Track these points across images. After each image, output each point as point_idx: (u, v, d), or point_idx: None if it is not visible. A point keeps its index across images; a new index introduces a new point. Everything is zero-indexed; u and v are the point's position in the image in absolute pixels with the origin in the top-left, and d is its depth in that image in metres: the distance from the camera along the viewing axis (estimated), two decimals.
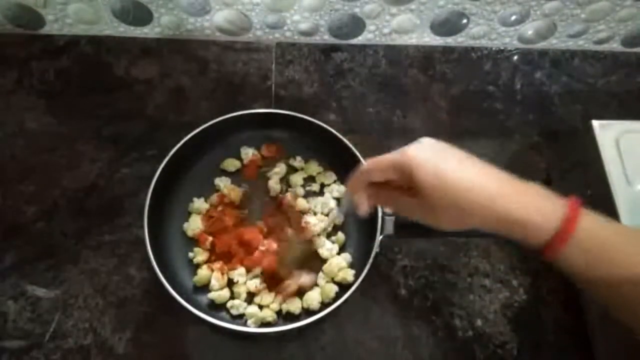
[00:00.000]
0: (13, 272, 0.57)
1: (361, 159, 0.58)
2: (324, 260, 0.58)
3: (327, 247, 0.59)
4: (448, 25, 0.73)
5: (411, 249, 0.62)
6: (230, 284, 0.57)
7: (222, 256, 0.58)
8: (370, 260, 0.53)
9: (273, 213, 0.61)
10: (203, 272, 0.56)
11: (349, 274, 0.57)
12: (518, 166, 0.68)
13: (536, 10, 0.71)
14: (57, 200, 0.62)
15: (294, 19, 0.71)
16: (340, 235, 0.60)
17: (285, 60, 0.74)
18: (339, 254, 0.59)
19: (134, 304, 0.57)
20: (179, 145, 0.59)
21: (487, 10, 0.71)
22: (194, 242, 0.59)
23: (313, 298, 0.55)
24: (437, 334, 0.58)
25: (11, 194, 0.62)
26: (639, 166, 0.55)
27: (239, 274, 0.57)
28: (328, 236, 0.60)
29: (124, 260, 0.59)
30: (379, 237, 0.54)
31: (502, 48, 0.78)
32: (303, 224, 0.59)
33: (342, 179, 0.63)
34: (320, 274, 0.58)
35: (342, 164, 0.61)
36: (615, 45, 0.78)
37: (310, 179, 0.64)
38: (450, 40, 0.76)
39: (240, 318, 0.56)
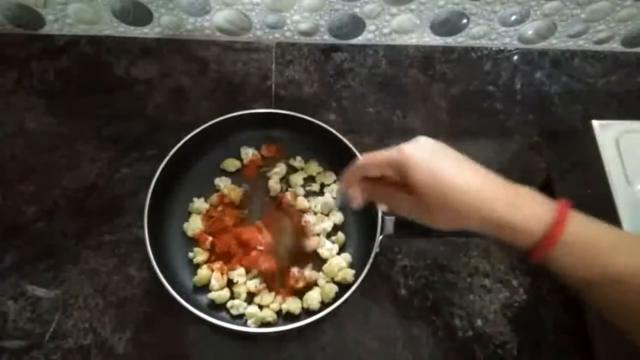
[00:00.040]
0: (13, 272, 0.57)
1: (359, 156, 0.58)
2: (324, 260, 0.58)
3: (327, 247, 0.59)
4: (448, 25, 0.73)
5: (411, 249, 0.62)
6: (230, 284, 0.57)
7: (222, 256, 0.58)
8: (370, 260, 0.53)
9: (273, 212, 0.61)
10: (203, 272, 0.56)
11: (349, 274, 0.57)
12: (518, 166, 0.69)
13: (536, 10, 0.71)
14: (57, 200, 0.62)
15: (294, 19, 0.71)
16: (340, 235, 0.60)
17: (285, 60, 0.74)
18: (339, 254, 0.59)
19: (134, 304, 0.57)
20: (179, 145, 0.59)
21: (487, 10, 0.71)
22: (194, 242, 0.59)
23: (313, 298, 0.55)
24: (437, 334, 0.58)
25: (11, 194, 0.62)
26: (639, 166, 0.55)
27: (238, 274, 0.57)
28: (328, 236, 0.60)
29: (124, 260, 0.59)
30: (379, 237, 0.54)
31: (502, 48, 0.78)
32: (303, 223, 0.59)
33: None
34: (320, 274, 0.58)
35: (342, 164, 0.60)
36: (615, 45, 0.78)
37: (310, 179, 0.64)
38: (450, 40, 0.76)
39: (240, 318, 0.56)
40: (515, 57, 0.77)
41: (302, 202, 0.61)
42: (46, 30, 0.72)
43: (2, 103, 0.67)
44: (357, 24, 0.72)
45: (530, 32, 0.75)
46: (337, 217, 0.61)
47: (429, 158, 0.38)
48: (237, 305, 0.55)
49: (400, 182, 0.40)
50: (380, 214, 0.55)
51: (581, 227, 0.37)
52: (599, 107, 0.74)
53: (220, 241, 0.58)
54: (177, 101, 0.69)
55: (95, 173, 0.64)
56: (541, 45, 0.78)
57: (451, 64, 0.76)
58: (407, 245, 0.62)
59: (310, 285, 0.57)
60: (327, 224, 0.60)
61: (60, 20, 0.70)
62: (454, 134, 0.70)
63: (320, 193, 0.63)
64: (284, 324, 0.55)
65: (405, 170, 0.38)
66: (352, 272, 0.57)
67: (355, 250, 0.60)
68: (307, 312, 0.55)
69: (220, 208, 0.60)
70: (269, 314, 0.55)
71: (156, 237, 0.56)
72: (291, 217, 0.60)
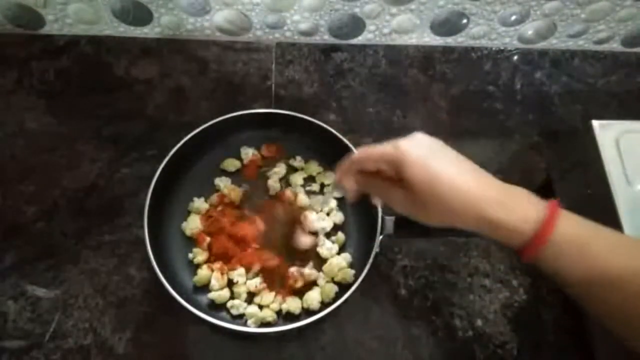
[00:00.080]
0: (13, 272, 0.57)
1: (355, 151, 0.58)
2: (324, 260, 0.58)
3: (327, 247, 0.59)
4: (448, 25, 0.73)
5: (411, 249, 0.62)
6: (230, 284, 0.57)
7: (221, 256, 0.58)
8: (370, 260, 0.53)
9: (270, 202, 0.61)
10: (203, 272, 0.56)
11: (349, 274, 0.57)
12: (518, 166, 0.69)
13: (536, 10, 0.71)
14: (57, 200, 0.62)
15: (294, 19, 0.71)
16: (340, 235, 0.60)
17: (285, 60, 0.74)
18: (339, 254, 0.59)
19: (134, 304, 0.57)
20: (179, 145, 0.59)
21: (487, 10, 0.71)
22: (193, 242, 0.59)
23: (313, 298, 0.55)
24: (437, 334, 0.58)
25: (11, 194, 0.62)
26: (639, 166, 0.55)
27: (239, 274, 0.57)
28: (328, 236, 0.60)
29: (124, 260, 0.59)
30: (379, 237, 0.54)
31: (502, 48, 0.78)
32: (302, 218, 0.59)
33: None
34: (320, 274, 0.58)
35: None
36: (615, 45, 0.78)
37: (310, 179, 0.64)
38: (450, 40, 0.76)
39: (240, 318, 0.56)
40: (515, 57, 0.77)
41: (302, 199, 0.61)
42: (46, 30, 0.72)
43: (2, 103, 0.67)
44: (357, 24, 0.72)
45: (530, 32, 0.75)
46: (337, 217, 0.61)
47: (425, 155, 0.38)
48: (237, 305, 0.55)
49: (395, 177, 0.40)
50: (380, 214, 0.55)
51: (572, 227, 0.37)
52: (599, 107, 0.74)
53: (217, 241, 0.58)
54: (177, 101, 0.69)
55: (95, 173, 0.64)
56: (541, 45, 0.78)
57: (451, 64, 0.76)
58: (407, 245, 0.62)
59: (310, 285, 0.57)
60: (327, 224, 0.60)
61: (60, 20, 0.70)
62: (454, 134, 0.70)
63: (320, 193, 0.63)
64: (284, 324, 0.55)
65: (400, 166, 0.38)
66: (352, 272, 0.57)
67: (355, 250, 0.60)
68: (307, 312, 0.55)
69: (219, 208, 0.60)
70: (269, 314, 0.55)
71: (156, 237, 0.56)
72: (288, 207, 0.60)
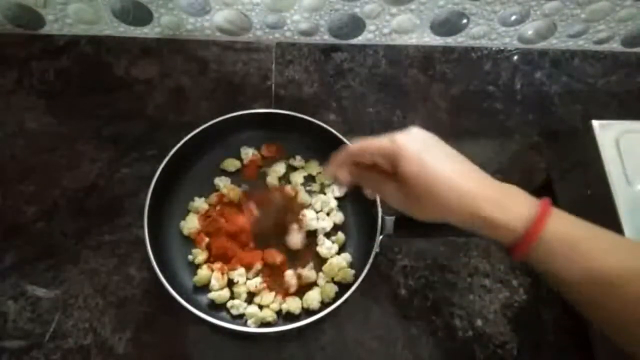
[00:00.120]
0: (13, 272, 0.57)
1: (348, 143, 0.58)
2: (324, 260, 0.58)
3: (326, 247, 0.59)
4: (448, 25, 0.73)
5: (411, 249, 0.62)
6: (230, 284, 0.57)
7: (220, 257, 0.58)
8: (370, 260, 0.53)
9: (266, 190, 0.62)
10: (203, 272, 0.56)
11: (349, 274, 0.57)
12: (518, 166, 0.69)
13: (536, 10, 0.71)
14: (57, 200, 0.62)
15: (294, 19, 0.71)
16: (340, 235, 0.60)
17: (285, 60, 0.74)
18: (339, 254, 0.59)
19: (134, 304, 0.57)
20: (179, 145, 0.59)
21: (487, 10, 0.71)
22: (192, 242, 0.59)
23: (313, 298, 0.55)
24: (437, 334, 0.58)
25: (11, 194, 0.62)
26: (639, 166, 0.55)
27: (238, 274, 0.57)
28: (328, 236, 0.60)
29: (124, 260, 0.59)
30: (379, 237, 0.54)
31: (502, 48, 0.78)
32: (300, 217, 0.59)
33: None
34: (320, 274, 0.58)
35: None
36: (615, 45, 0.78)
37: (310, 178, 0.64)
38: (450, 40, 0.76)
39: (240, 318, 0.56)
40: (515, 57, 0.77)
41: (304, 196, 0.61)
42: (46, 30, 0.72)
43: (2, 103, 0.67)
44: (357, 24, 0.72)
45: (530, 32, 0.75)
46: (337, 217, 0.61)
47: (421, 150, 0.38)
48: (237, 305, 0.55)
49: (390, 170, 0.40)
50: (380, 214, 0.55)
51: (564, 225, 0.37)
52: (599, 107, 0.74)
53: (216, 242, 0.58)
54: (177, 101, 0.69)
55: (95, 173, 0.64)
56: (541, 45, 0.78)
57: (451, 64, 0.76)
58: (407, 245, 0.62)
59: (310, 285, 0.57)
60: (327, 224, 0.60)
61: (60, 20, 0.70)
62: (454, 134, 0.69)
63: (321, 192, 0.63)
64: (284, 324, 0.55)
65: (396, 160, 0.39)
66: (352, 272, 0.57)
67: (355, 250, 0.60)
68: (307, 312, 0.55)
69: (218, 207, 0.60)
70: (269, 314, 0.55)
71: (156, 237, 0.56)
72: (284, 193, 0.60)
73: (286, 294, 0.57)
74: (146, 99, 0.69)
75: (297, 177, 0.63)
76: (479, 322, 0.59)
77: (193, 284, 0.56)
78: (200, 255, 0.57)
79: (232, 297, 0.56)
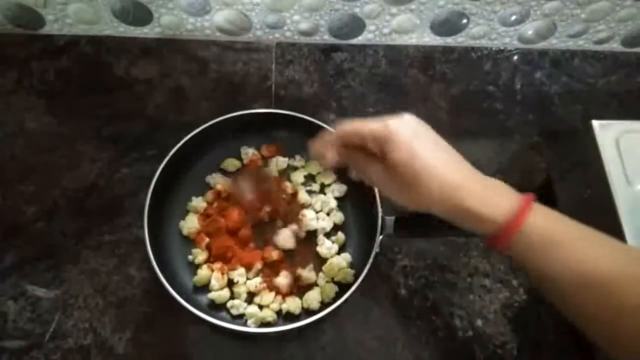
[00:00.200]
0: (13, 272, 0.57)
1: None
2: (324, 260, 0.58)
3: (326, 247, 0.59)
4: (448, 25, 0.73)
5: (411, 249, 0.62)
6: (230, 284, 0.57)
7: (220, 257, 0.58)
8: (370, 260, 0.53)
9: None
10: (203, 272, 0.56)
11: (349, 274, 0.57)
12: (518, 166, 0.69)
13: (536, 10, 0.71)
14: (57, 200, 0.62)
15: (294, 19, 0.71)
16: (340, 235, 0.60)
17: (285, 60, 0.74)
18: (339, 254, 0.59)
19: (134, 304, 0.57)
20: (179, 145, 0.59)
21: (487, 10, 0.71)
22: (192, 242, 0.59)
23: (313, 298, 0.55)
24: (437, 334, 0.58)
25: (11, 194, 0.62)
26: (639, 166, 0.55)
27: (239, 274, 0.57)
28: (328, 236, 0.60)
29: (124, 260, 0.59)
30: (379, 237, 0.54)
31: (502, 48, 0.78)
32: (300, 217, 0.59)
33: (342, 178, 0.63)
34: (320, 274, 0.58)
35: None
36: (615, 45, 0.78)
37: (310, 178, 0.64)
38: (450, 40, 0.76)
39: (240, 318, 0.56)
40: (515, 57, 0.77)
41: (304, 196, 0.61)
42: (46, 30, 0.72)
43: (2, 103, 0.67)
44: (357, 24, 0.72)
45: (530, 32, 0.75)
46: (337, 217, 0.61)
47: (412, 137, 0.39)
48: (237, 305, 0.55)
49: (378, 154, 0.40)
50: (380, 214, 0.55)
51: (545, 220, 0.37)
52: (599, 107, 0.74)
53: (216, 242, 0.58)
54: (177, 101, 0.69)
55: (95, 173, 0.64)
56: (541, 45, 0.78)
57: (451, 64, 0.76)
58: (407, 245, 0.62)
59: (310, 285, 0.57)
60: (327, 224, 0.60)
61: (60, 20, 0.70)
62: (454, 134, 0.68)
63: (321, 192, 0.63)
64: (284, 324, 0.55)
65: (386, 145, 0.39)
66: (352, 272, 0.57)
67: (355, 250, 0.60)
68: (307, 312, 0.55)
69: (215, 204, 0.60)
70: (269, 314, 0.55)
71: (156, 237, 0.56)
72: (289, 212, 0.60)
73: (285, 293, 0.57)
74: (146, 99, 0.69)
75: (297, 177, 0.63)
76: (479, 322, 0.59)
77: (193, 284, 0.56)
78: (200, 255, 0.57)
79: (232, 297, 0.56)
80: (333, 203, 0.62)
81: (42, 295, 0.56)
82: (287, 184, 0.62)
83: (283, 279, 0.56)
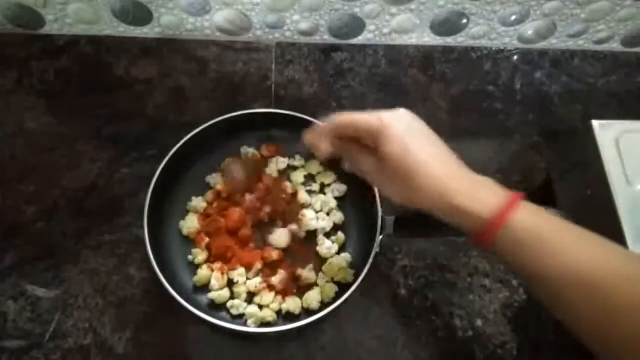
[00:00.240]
0: (13, 272, 0.57)
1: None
2: (324, 260, 0.59)
3: (326, 247, 0.59)
4: (448, 25, 0.73)
5: (411, 249, 0.62)
6: (230, 284, 0.57)
7: (220, 257, 0.58)
8: (370, 260, 0.53)
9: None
10: (203, 272, 0.56)
11: (349, 274, 0.57)
12: (518, 166, 0.69)
13: (536, 10, 0.71)
14: (57, 200, 0.62)
15: (294, 19, 0.71)
16: (340, 235, 0.60)
17: (285, 60, 0.74)
18: (339, 254, 0.59)
19: (134, 304, 0.57)
20: (179, 145, 0.59)
21: (487, 10, 0.71)
22: (192, 242, 0.59)
23: (313, 298, 0.55)
24: (437, 334, 0.58)
25: (11, 194, 0.62)
26: (639, 166, 0.55)
27: (239, 274, 0.57)
28: (328, 236, 0.60)
29: (124, 260, 0.59)
30: (379, 237, 0.54)
31: (502, 48, 0.78)
32: (300, 217, 0.59)
33: (342, 178, 0.63)
34: (320, 274, 0.58)
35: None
36: (615, 45, 0.78)
37: (310, 178, 0.64)
38: (450, 40, 0.76)
39: (240, 318, 0.56)
40: (515, 57, 0.77)
41: (304, 196, 0.61)
42: (46, 30, 0.72)
43: (2, 103, 0.67)
44: (357, 24, 0.72)
45: (530, 32, 0.75)
46: (337, 217, 0.61)
47: (405, 132, 0.39)
48: (237, 305, 0.55)
49: (371, 146, 0.41)
50: (380, 214, 0.55)
51: (533, 217, 0.37)
52: (599, 107, 0.74)
53: (216, 242, 0.58)
54: (177, 101, 0.69)
55: (95, 173, 0.64)
56: (541, 45, 0.78)
57: (451, 64, 0.76)
58: (407, 245, 0.62)
59: (310, 285, 0.57)
60: (327, 224, 0.60)
61: (60, 20, 0.70)
62: (454, 134, 0.69)
63: (320, 192, 0.63)
64: (284, 324, 0.55)
65: (380, 139, 0.39)
66: (352, 272, 0.57)
67: (355, 250, 0.60)
68: (307, 312, 0.55)
69: (215, 204, 0.60)
70: (269, 314, 0.55)
71: (156, 237, 0.56)
72: (289, 212, 0.60)
73: (281, 291, 0.57)
74: (146, 99, 0.69)
75: (297, 177, 0.63)
76: (479, 322, 0.59)
77: (193, 284, 0.56)
78: (200, 255, 0.57)
79: (232, 297, 0.56)
80: (333, 203, 0.62)
81: (42, 295, 0.56)
82: (287, 184, 0.62)
83: (277, 277, 0.56)
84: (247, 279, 0.57)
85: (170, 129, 0.65)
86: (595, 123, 0.57)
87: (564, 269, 0.36)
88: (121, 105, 0.68)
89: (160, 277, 0.52)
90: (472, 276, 0.61)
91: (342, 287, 0.56)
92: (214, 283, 0.55)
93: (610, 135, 0.57)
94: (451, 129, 0.71)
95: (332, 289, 0.56)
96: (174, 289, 0.51)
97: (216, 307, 0.56)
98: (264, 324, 0.55)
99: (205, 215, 0.60)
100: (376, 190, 0.56)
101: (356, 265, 0.58)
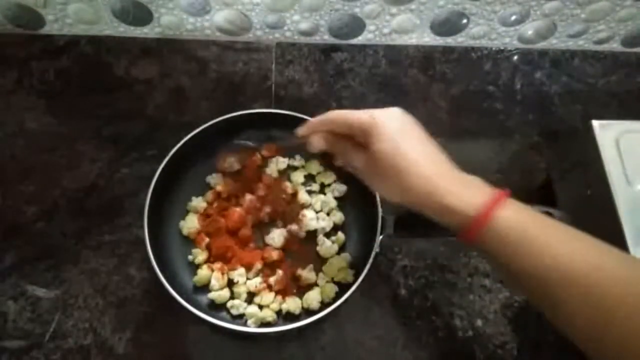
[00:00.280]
0: (13, 272, 0.57)
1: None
2: (324, 260, 0.59)
3: (326, 247, 0.59)
4: (448, 25, 0.73)
5: (411, 249, 0.62)
6: (230, 284, 0.57)
7: (220, 257, 0.58)
8: (370, 260, 0.53)
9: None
10: (203, 272, 0.56)
11: (349, 274, 0.57)
12: (518, 166, 0.69)
13: (536, 10, 0.71)
14: (57, 200, 0.62)
15: (294, 19, 0.71)
16: (340, 235, 0.60)
17: (285, 60, 0.74)
18: (339, 254, 0.59)
19: (134, 304, 0.57)
20: (179, 145, 0.59)
21: (487, 10, 0.71)
22: (192, 242, 0.59)
23: (313, 298, 0.55)
24: (437, 334, 0.58)
25: (11, 194, 0.62)
26: (639, 166, 0.55)
27: (239, 274, 0.57)
28: (328, 236, 0.60)
29: (124, 260, 0.59)
30: (379, 237, 0.54)
31: (502, 48, 0.78)
32: (300, 217, 0.59)
33: (342, 178, 0.63)
34: (320, 274, 0.58)
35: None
36: (615, 45, 0.78)
37: (310, 178, 0.64)
38: (450, 40, 0.76)
39: (240, 318, 0.55)
40: (515, 57, 0.77)
41: (304, 196, 0.61)
42: (46, 30, 0.72)
43: (2, 103, 0.67)
44: (357, 24, 0.72)
45: (530, 32, 0.75)
46: (337, 217, 0.61)
47: (397, 130, 0.40)
48: (237, 305, 0.55)
49: (363, 143, 0.41)
50: (380, 214, 0.55)
51: (518, 215, 0.37)
52: (599, 107, 0.74)
53: (216, 242, 0.58)
54: (177, 101, 0.69)
55: (95, 173, 0.64)
56: (541, 45, 0.78)
57: (451, 64, 0.76)
58: (407, 245, 0.62)
59: (310, 285, 0.57)
60: (327, 224, 0.60)
61: (60, 20, 0.70)
62: (454, 134, 0.70)
63: (320, 192, 0.63)
64: (284, 324, 0.55)
65: (371, 136, 0.40)
66: (352, 272, 0.57)
67: (355, 250, 0.60)
68: (307, 312, 0.55)
69: (215, 204, 0.60)
70: (269, 314, 0.55)
71: (156, 237, 0.56)
72: (289, 212, 0.60)
73: (278, 290, 0.57)
74: (146, 99, 0.69)
75: (297, 177, 0.63)
76: (479, 322, 0.59)
77: (193, 284, 0.56)
78: (200, 255, 0.57)
79: (232, 297, 0.56)
80: (333, 203, 0.62)
81: (42, 295, 0.56)
82: (287, 184, 0.62)
83: (275, 276, 0.57)
84: (247, 279, 0.57)
85: (170, 129, 0.65)
86: (595, 123, 0.57)
87: (554, 267, 0.35)
88: (121, 105, 0.68)
89: (160, 277, 0.52)
90: (472, 276, 0.61)
91: (342, 287, 0.56)
92: (214, 283, 0.55)
93: (610, 135, 0.57)
94: (451, 129, 0.71)
95: (332, 289, 0.56)
96: (174, 289, 0.51)
97: (216, 307, 0.56)
98: (264, 324, 0.55)
99: (205, 215, 0.60)
100: None
101: (356, 265, 0.58)
